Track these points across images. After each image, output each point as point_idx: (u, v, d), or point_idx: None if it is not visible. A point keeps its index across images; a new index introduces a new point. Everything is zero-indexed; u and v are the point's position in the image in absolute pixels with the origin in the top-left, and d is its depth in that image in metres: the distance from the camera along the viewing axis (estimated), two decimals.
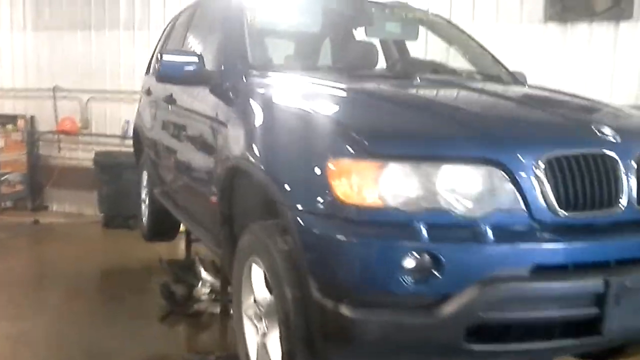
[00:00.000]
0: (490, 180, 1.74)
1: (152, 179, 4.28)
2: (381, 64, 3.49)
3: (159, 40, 4.92)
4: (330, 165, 1.79)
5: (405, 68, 3.08)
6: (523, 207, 1.75)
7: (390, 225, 1.71)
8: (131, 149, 7.18)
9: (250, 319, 2.37)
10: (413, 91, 2.42)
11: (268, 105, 2.26)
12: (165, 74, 2.85)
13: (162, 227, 4.53)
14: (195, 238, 5.02)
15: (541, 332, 1.77)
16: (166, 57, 2.84)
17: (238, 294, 2.45)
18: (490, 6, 5.84)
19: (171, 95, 3.53)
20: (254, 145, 2.18)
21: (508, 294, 1.68)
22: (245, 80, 2.60)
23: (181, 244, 5.32)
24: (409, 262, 1.67)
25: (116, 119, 7.44)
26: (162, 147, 3.76)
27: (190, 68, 2.81)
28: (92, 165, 7.10)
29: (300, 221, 1.84)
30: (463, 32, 3.59)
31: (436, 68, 3.12)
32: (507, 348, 1.74)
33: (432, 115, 2.00)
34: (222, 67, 2.80)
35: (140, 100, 4.95)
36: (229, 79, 2.69)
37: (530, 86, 2.65)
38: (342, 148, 1.79)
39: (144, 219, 4.76)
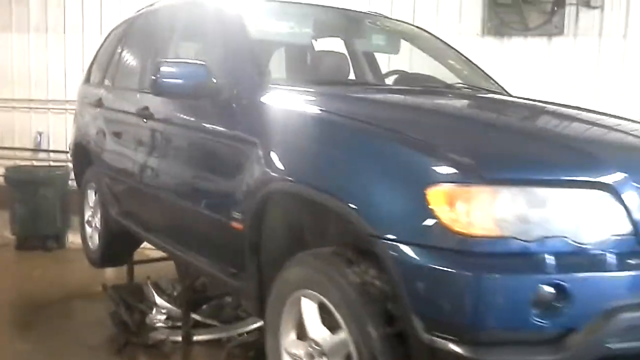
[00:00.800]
0: (604, 205, 1.68)
1: (107, 199, 3.89)
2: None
3: (103, 46, 4.51)
4: (435, 191, 1.65)
5: (420, 82, 2.98)
6: (632, 230, 1.71)
7: (509, 256, 1.61)
8: (46, 163, 6.67)
9: (295, 357, 2.16)
10: (477, 109, 2.32)
11: (328, 124, 2.05)
12: (166, 86, 2.57)
13: (117, 251, 4.14)
14: (138, 260, 4.70)
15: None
16: (166, 68, 2.56)
17: (275, 330, 2.24)
18: (430, 18, 5.93)
19: (146, 108, 3.21)
20: (316, 169, 1.98)
21: (631, 323, 1.62)
22: (270, 96, 2.39)
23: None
24: (536, 295, 1.57)
25: (26, 131, 6.78)
26: (131, 166, 3.41)
27: (196, 80, 2.56)
28: (2, 182, 6.43)
29: (398, 253, 1.69)
30: (448, 45, 3.58)
31: (440, 82, 3.06)
32: None
33: (528, 136, 1.93)
34: (234, 81, 2.56)
35: (79, 113, 4.50)
36: (246, 94, 2.46)
37: (545, 101, 2.65)
38: (449, 173, 1.66)
39: (91, 243, 4.32)
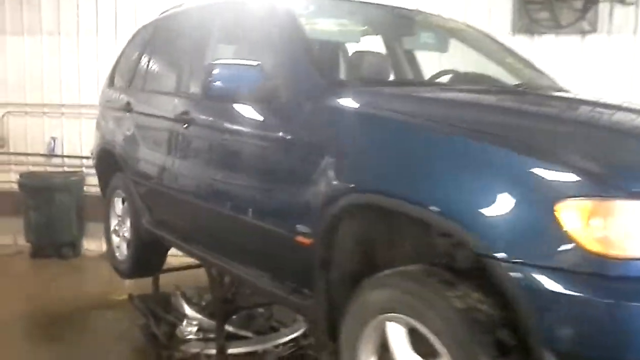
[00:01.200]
0: None
1: (138, 207, 3.69)
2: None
3: (127, 48, 4.30)
4: (567, 206, 1.45)
5: (479, 82, 2.77)
6: None
7: None
8: (60, 169, 6.48)
9: None
10: (580, 112, 2.12)
11: (422, 130, 1.84)
12: (219, 89, 2.38)
13: (148, 261, 3.94)
14: (165, 269, 4.49)
15: None
16: (219, 70, 2.38)
17: (352, 355, 2.04)
18: (459, 17, 5.71)
19: (186, 112, 3.02)
20: (412, 182, 1.76)
21: None
22: (340, 98, 2.19)
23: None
24: None
25: (39, 136, 6.58)
26: (169, 173, 3.21)
27: (251, 83, 2.37)
28: (15, 188, 6.25)
29: (523, 278, 1.49)
30: (501, 43, 3.39)
31: (499, 82, 2.87)
32: None
33: None
34: (294, 83, 2.37)
35: (103, 118, 4.29)
36: (311, 97, 2.27)
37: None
38: (583, 185, 1.47)
39: (119, 253, 4.12)
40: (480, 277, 1.79)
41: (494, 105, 2.15)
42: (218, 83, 2.37)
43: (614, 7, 5.56)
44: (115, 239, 4.18)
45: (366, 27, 2.93)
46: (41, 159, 6.59)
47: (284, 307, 3.82)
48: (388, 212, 1.95)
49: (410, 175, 1.79)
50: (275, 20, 2.64)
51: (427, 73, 3.35)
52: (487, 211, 1.57)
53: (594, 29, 5.59)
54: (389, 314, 1.88)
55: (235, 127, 2.65)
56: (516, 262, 1.51)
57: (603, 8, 5.57)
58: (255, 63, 2.42)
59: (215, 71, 2.37)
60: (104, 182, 4.32)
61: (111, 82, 4.39)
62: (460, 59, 3.29)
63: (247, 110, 2.54)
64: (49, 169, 6.57)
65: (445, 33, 3.30)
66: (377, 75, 2.61)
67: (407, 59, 3.13)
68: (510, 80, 3.00)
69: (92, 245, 6.47)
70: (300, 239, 2.21)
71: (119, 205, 4.11)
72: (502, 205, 1.55)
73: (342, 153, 2.05)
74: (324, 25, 2.73)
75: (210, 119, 2.85)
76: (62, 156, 6.56)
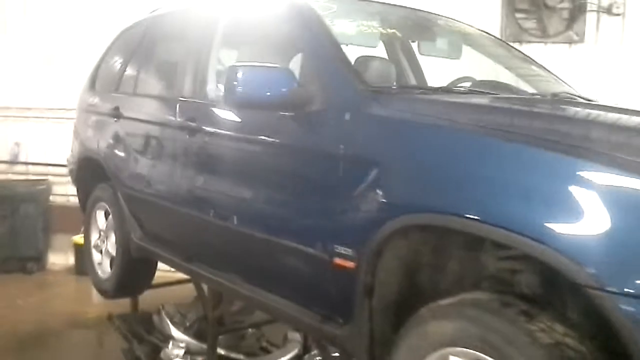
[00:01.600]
0: None
1: (127, 221, 3.41)
2: None
3: (111, 49, 4.00)
4: None
5: (501, 90, 2.59)
6: None
7: None
8: (25, 177, 6.08)
9: None
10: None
11: (495, 142, 1.64)
12: (245, 96, 2.15)
13: (135, 279, 3.65)
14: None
15: None
16: (244, 74, 2.15)
17: None
18: None
19: (192, 119, 2.77)
20: (490, 201, 1.56)
21: None
22: (384, 107, 1.99)
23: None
24: None
25: (2, 141, 6.16)
26: (171, 186, 2.94)
27: (281, 88, 2.15)
28: None
29: (636, 312, 1.32)
30: (518, 51, 3.26)
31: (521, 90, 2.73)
32: None
33: None
34: (327, 90, 2.15)
35: (84, 123, 3.97)
36: (348, 105, 2.05)
37: None
38: None
39: (100, 271, 3.81)
40: (548, 305, 1.64)
41: (560, 115, 1.99)
42: (243, 89, 2.14)
43: (601, 17, 5.56)
44: (96, 256, 3.87)
45: (393, 30, 2.73)
46: (4, 166, 6.18)
47: (274, 326, 3.64)
48: (444, 233, 1.77)
49: (488, 195, 1.59)
50: (298, 20, 2.42)
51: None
52: (591, 236, 1.39)
53: (581, 39, 5.57)
54: (454, 348, 1.69)
55: (257, 136, 2.41)
56: (629, 295, 1.34)
57: (590, 18, 5.56)
58: (283, 66, 2.20)
59: (240, 75, 2.14)
60: (84, 194, 4.00)
61: (92, 85, 4.07)
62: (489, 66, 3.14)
63: (272, 118, 2.31)
64: (12, 176, 6.17)
65: (458, 39, 3.15)
66: (404, 81, 2.42)
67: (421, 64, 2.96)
68: (533, 89, 2.89)
69: (58, 259, 6.10)
70: (339, 261, 2.00)
71: (101, 219, 3.80)
72: (609, 228, 1.38)
73: (393, 167, 1.85)
74: (346, 28, 2.52)
75: (221, 127, 2.61)
76: (27, 163, 6.17)
